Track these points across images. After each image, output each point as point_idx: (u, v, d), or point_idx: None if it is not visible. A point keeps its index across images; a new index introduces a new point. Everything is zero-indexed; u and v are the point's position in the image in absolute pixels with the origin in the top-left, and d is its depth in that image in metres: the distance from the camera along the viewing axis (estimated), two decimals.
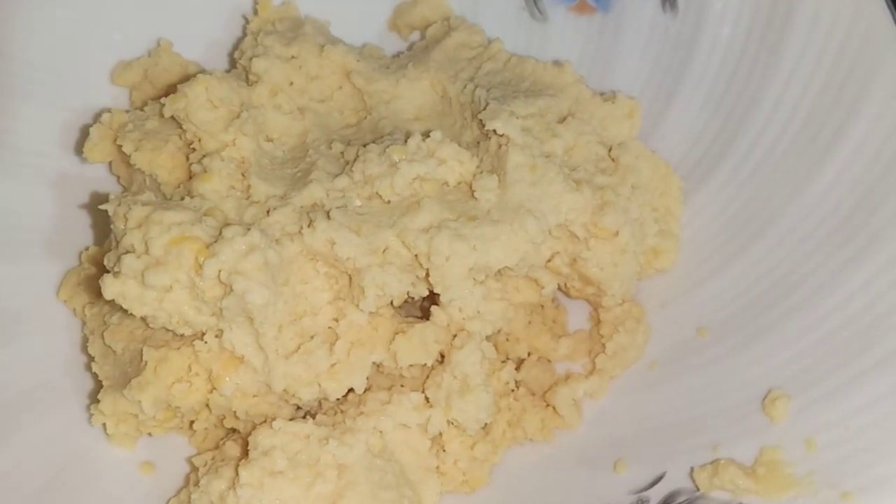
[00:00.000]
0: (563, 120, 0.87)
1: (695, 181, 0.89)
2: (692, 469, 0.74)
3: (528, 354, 0.91)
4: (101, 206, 0.80)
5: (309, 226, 0.78)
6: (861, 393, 0.69)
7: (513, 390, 0.88)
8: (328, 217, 0.78)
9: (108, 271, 0.76)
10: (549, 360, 0.91)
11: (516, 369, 0.89)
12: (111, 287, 0.74)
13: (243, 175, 0.83)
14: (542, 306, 0.93)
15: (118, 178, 0.95)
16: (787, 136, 0.83)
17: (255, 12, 0.98)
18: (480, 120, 0.84)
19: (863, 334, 0.72)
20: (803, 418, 0.72)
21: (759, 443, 0.72)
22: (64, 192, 0.92)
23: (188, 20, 0.97)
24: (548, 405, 0.87)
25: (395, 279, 0.79)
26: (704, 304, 0.85)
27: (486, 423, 0.82)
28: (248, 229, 0.75)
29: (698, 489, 0.73)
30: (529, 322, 0.91)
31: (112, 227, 0.79)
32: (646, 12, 0.92)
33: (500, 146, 0.83)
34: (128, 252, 0.75)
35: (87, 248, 0.91)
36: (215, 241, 0.74)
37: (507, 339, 0.91)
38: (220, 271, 0.73)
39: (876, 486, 0.65)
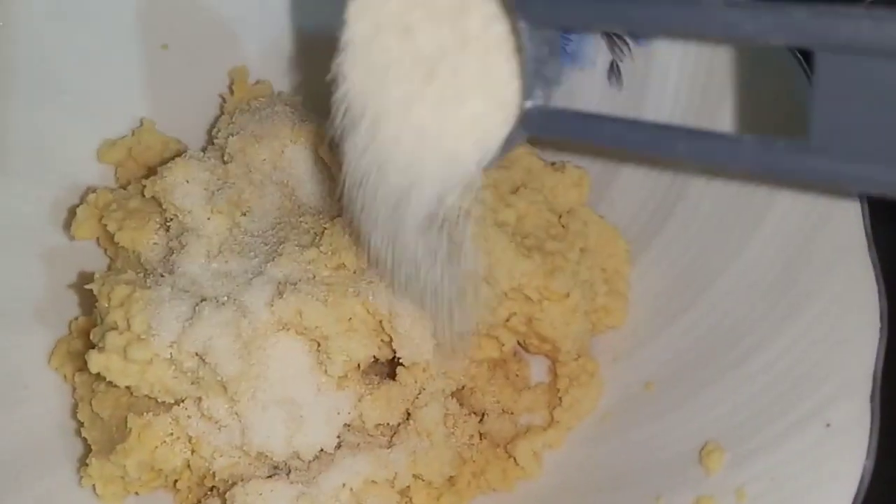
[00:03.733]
0: (515, 190, 0.93)
1: (641, 243, 0.95)
2: None
3: (493, 405, 0.96)
4: (87, 286, 0.86)
5: (280, 297, 0.84)
6: (787, 447, 0.74)
7: (476, 442, 0.93)
8: (297, 288, 0.84)
9: (94, 345, 0.82)
10: (511, 413, 0.96)
11: (480, 421, 0.94)
12: (96, 361, 0.81)
13: (220, 250, 0.89)
14: (505, 361, 0.98)
15: (105, 250, 1.01)
16: (725, 200, 0.88)
17: (231, 92, 1.04)
18: None
19: (790, 391, 0.76)
20: (735, 470, 0.76)
21: (695, 493, 0.77)
22: (54, 266, 0.98)
23: (169, 101, 1.03)
24: (510, 456, 0.93)
25: (361, 345, 0.85)
26: (652, 360, 0.90)
27: (450, 476, 0.88)
28: (223, 304, 0.82)
29: None
30: (493, 376, 0.97)
31: (96, 304, 0.85)
32: (594, 86, 0.98)
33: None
34: (111, 329, 0.81)
35: (76, 318, 0.97)
36: (190, 317, 0.80)
37: (472, 393, 0.96)
38: (194, 344, 0.79)
39: None
